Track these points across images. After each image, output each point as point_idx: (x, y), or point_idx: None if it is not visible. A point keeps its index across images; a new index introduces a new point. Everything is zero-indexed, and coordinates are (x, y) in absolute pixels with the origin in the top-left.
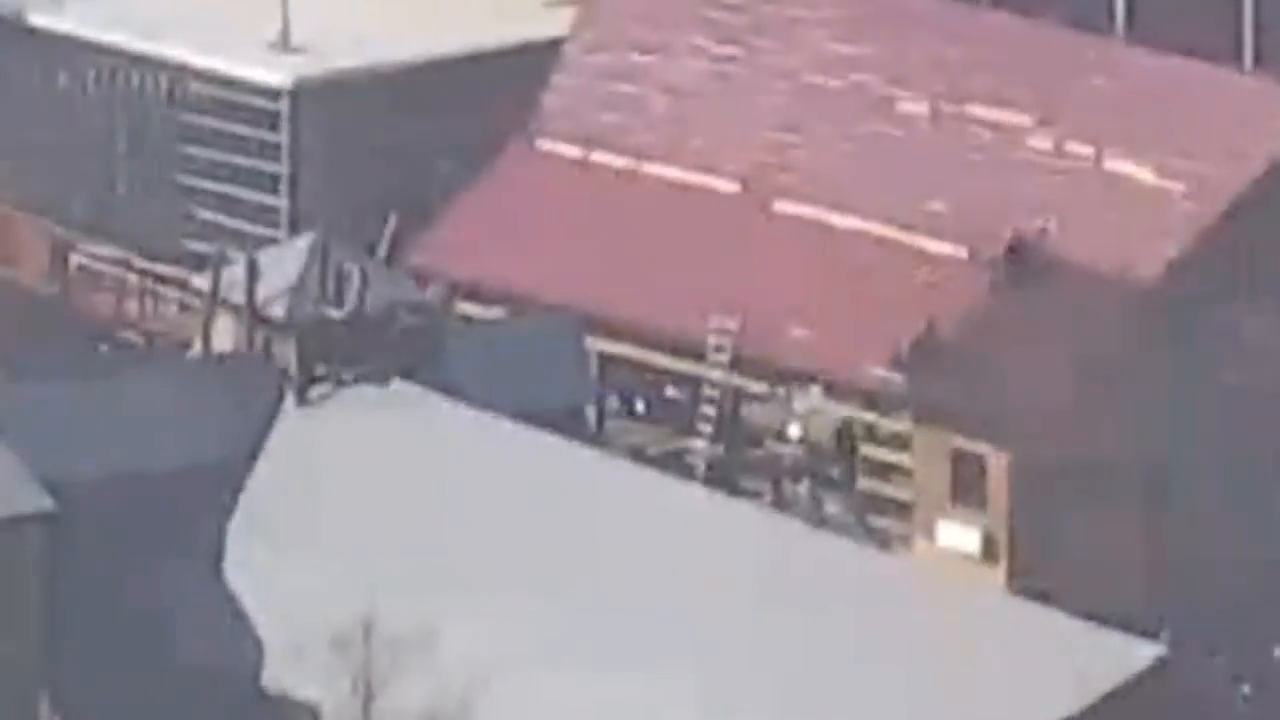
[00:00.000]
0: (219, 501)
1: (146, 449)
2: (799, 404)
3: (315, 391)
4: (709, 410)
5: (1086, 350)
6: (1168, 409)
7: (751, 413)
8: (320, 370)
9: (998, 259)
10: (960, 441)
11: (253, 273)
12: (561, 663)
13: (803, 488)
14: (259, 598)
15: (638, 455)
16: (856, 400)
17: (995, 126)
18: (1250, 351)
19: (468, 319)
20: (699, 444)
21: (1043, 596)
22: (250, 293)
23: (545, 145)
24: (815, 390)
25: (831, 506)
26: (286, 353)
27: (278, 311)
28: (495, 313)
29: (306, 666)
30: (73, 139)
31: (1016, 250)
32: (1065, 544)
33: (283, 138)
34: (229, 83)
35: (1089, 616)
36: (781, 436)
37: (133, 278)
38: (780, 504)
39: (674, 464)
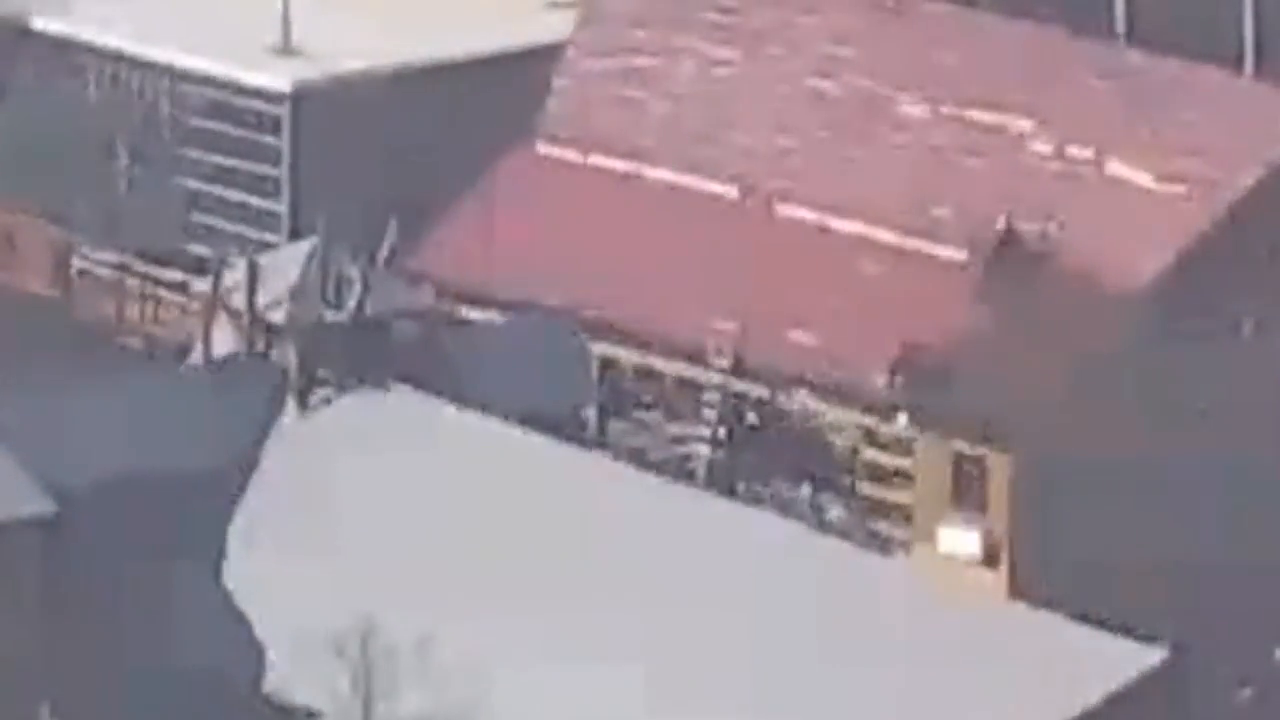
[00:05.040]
0: (220, 505)
1: (147, 453)
2: (799, 408)
3: (316, 396)
4: (710, 414)
5: (1087, 353)
6: (1168, 412)
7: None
8: (321, 374)
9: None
10: (961, 446)
11: (253, 277)
12: (562, 666)
13: (803, 492)
14: (259, 602)
15: (638, 459)
16: (857, 405)
17: (995, 130)
18: (1250, 353)
19: (468, 323)
20: (700, 448)
21: (1044, 601)
22: (251, 297)
23: (546, 149)
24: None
25: (832, 511)
26: (287, 357)
27: (278, 316)
28: (495, 317)
29: (307, 671)
30: (74, 143)
31: (1008, 244)
32: (1066, 548)
33: (283, 142)
34: (229, 87)
35: (1090, 621)
36: (782, 440)
37: (134, 282)
38: (781, 508)
39: (675, 468)
